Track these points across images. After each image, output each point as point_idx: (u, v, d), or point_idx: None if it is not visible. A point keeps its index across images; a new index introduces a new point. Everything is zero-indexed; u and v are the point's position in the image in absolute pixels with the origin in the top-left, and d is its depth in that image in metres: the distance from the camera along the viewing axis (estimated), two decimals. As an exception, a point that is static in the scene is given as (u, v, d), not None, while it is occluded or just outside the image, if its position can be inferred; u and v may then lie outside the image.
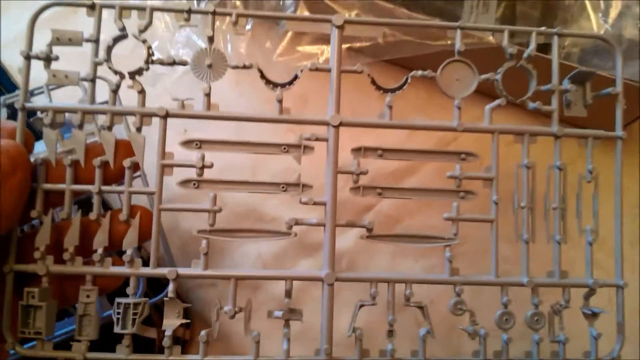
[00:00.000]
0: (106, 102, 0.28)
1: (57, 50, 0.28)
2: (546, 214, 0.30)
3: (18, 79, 0.44)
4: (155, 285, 0.36)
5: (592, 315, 0.29)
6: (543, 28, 0.30)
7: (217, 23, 0.28)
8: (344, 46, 0.33)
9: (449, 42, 0.34)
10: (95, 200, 0.28)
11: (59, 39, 0.28)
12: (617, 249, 0.30)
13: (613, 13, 0.38)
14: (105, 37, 0.28)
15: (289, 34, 0.39)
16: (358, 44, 0.37)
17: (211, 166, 0.28)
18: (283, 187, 0.29)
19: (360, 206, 0.42)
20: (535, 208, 0.29)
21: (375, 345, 0.28)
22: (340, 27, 0.29)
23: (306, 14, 0.36)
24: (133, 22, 0.28)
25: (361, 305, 0.29)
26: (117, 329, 0.27)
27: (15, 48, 0.43)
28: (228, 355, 0.29)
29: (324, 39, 0.40)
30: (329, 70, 0.29)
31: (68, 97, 0.34)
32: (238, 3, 0.38)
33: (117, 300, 0.27)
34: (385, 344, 0.28)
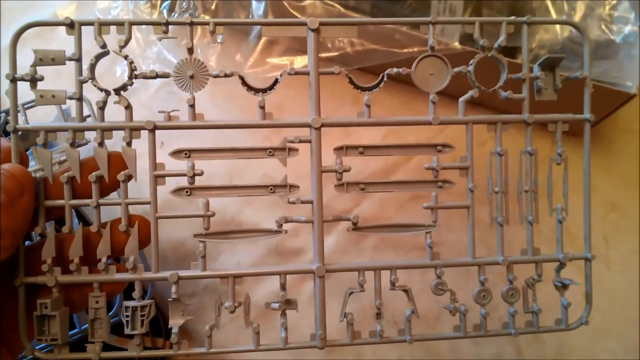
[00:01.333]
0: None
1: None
2: (519, 197, 0.32)
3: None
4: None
5: (563, 287, 0.32)
6: (513, 17, 0.31)
7: (187, 39, 0.29)
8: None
9: (415, 49, 0.35)
10: (95, 213, 0.29)
11: (42, 60, 0.28)
12: (585, 223, 0.32)
13: (577, 15, 0.39)
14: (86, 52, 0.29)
15: (259, 47, 0.39)
16: (326, 54, 0.38)
17: (201, 174, 0.30)
18: (271, 189, 0.30)
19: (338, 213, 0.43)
20: (509, 192, 0.31)
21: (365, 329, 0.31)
22: (316, 30, 0.30)
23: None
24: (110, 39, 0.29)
25: (350, 293, 0.31)
26: (127, 331, 0.29)
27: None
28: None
29: (293, 49, 0.40)
30: (307, 74, 0.30)
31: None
32: (207, 17, 0.38)
33: (125, 304, 0.29)
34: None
